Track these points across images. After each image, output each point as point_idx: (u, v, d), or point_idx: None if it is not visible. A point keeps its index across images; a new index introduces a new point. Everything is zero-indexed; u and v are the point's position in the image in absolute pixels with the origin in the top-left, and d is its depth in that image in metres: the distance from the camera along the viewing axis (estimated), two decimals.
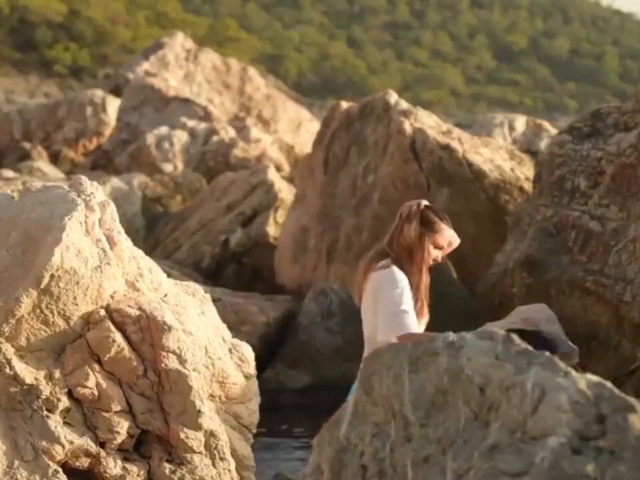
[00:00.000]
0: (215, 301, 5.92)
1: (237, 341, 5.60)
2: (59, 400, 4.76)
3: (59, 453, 4.72)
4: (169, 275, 5.59)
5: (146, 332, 4.90)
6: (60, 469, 4.71)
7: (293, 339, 9.74)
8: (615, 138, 7.75)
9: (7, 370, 4.67)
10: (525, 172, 10.00)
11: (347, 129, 10.94)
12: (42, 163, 18.23)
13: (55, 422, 4.74)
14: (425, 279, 4.44)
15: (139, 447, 5.00)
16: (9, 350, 4.70)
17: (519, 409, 2.49)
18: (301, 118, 21.98)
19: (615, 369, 7.20)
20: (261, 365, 7.14)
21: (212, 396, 5.23)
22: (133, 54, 35.21)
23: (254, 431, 5.53)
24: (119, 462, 4.89)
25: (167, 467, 4.98)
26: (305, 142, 19.26)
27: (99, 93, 20.63)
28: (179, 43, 22.21)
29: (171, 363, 4.90)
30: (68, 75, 46.36)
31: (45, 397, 4.73)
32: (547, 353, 2.57)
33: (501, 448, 2.49)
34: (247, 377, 5.47)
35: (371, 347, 4.25)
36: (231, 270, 12.26)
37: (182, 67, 21.59)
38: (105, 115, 20.04)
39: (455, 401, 2.64)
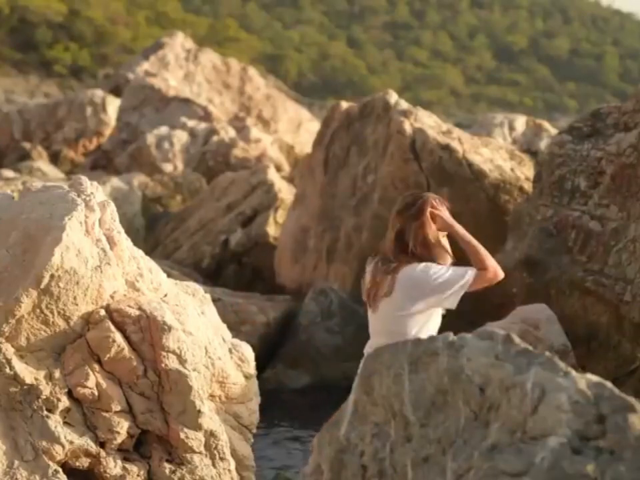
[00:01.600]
0: (214, 300, 5.93)
1: (237, 341, 5.61)
2: (58, 400, 4.76)
3: (59, 453, 4.72)
4: (169, 275, 5.59)
5: (146, 332, 4.90)
6: (60, 469, 4.71)
7: (293, 339, 9.73)
8: (614, 138, 7.75)
9: (7, 370, 4.67)
10: (525, 172, 10.00)
11: (347, 129, 10.94)
12: (42, 163, 18.23)
13: (55, 422, 4.75)
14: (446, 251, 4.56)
15: (139, 447, 5.01)
16: (9, 350, 4.70)
17: (519, 408, 2.49)
18: (301, 118, 21.98)
19: (615, 368, 7.20)
20: (261, 365, 7.14)
21: (212, 396, 5.23)
22: (133, 54, 35.21)
23: (254, 430, 5.53)
24: (119, 462, 4.89)
25: (167, 466, 4.98)
26: (304, 142, 19.26)
27: (98, 93, 20.63)
28: (179, 42, 22.22)
29: (171, 363, 4.90)
30: (68, 75, 46.37)
31: (45, 397, 4.73)
32: (547, 353, 2.57)
33: (501, 448, 2.49)
34: (247, 377, 5.47)
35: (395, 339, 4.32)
36: (231, 270, 12.26)
37: (182, 67, 21.59)
38: (104, 115, 20.04)
39: (455, 400, 2.64)
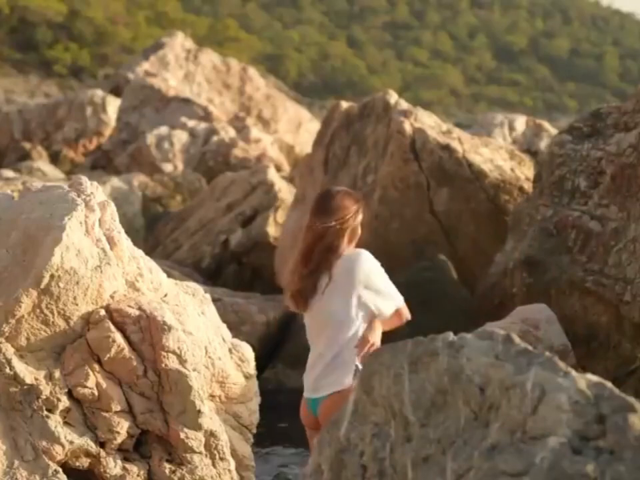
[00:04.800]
0: (214, 300, 5.92)
1: (237, 341, 5.61)
2: (58, 400, 4.76)
3: (59, 453, 4.72)
4: (169, 275, 5.59)
5: (146, 332, 4.90)
6: (60, 469, 4.71)
7: (292, 339, 9.72)
8: (615, 138, 7.75)
9: (7, 370, 4.67)
10: (525, 172, 9.99)
11: (347, 129, 10.94)
12: (42, 163, 18.23)
13: (55, 422, 4.74)
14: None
15: (139, 447, 5.01)
16: (9, 350, 4.70)
17: (519, 408, 2.49)
18: (301, 118, 21.99)
19: (615, 368, 7.20)
20: (261, 365, 7.13)
21: (212, 396, 5.23)
22: (133, 54, 35.22)
23: (254, 430, 5.53)
24: (119, 462, 4.89)
25: (167, 467, 4.98)
26: (304, 142, 19.27)
27: (99, 93, 20.64)
28: (179, 42, 22.22)
29: (171, 362, 4.90)
30: (68, 75, 46.33)
31: (45, 397, 4.73)
32: (547, 353, 2.57)
33: (500, 448, 2.49)
34: (246, 377, 5.47)
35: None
36: (231, 270, 12.25)
37: (182, 67, 21.60)
38: (104, 115, 20.04)
39: (455, 400, 2.64)
